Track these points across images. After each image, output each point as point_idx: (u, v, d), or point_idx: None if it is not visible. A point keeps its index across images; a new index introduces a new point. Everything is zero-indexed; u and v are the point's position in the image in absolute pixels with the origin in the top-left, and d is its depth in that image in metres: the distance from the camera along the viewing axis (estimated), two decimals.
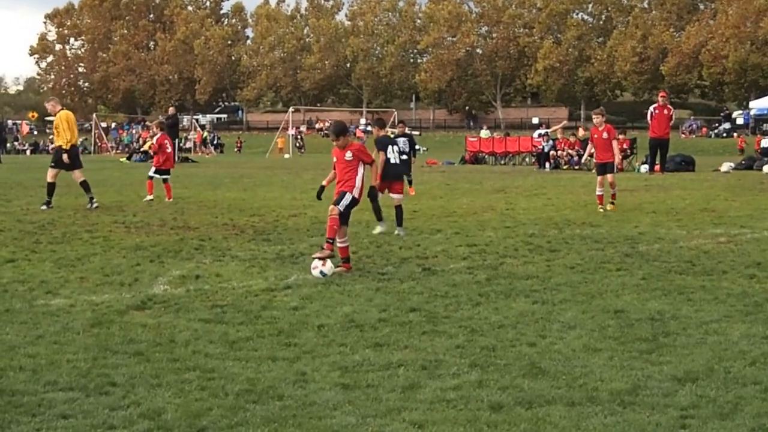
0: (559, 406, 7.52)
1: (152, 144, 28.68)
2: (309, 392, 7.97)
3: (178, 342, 9.70)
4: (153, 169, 26.91)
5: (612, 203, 22.59)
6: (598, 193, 22.90)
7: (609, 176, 22.74)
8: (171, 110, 54.32)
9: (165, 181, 26.60)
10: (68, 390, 8.04)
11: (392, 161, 18.73)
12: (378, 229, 18.65)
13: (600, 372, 8.45)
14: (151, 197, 25.92)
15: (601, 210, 22.27)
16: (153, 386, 8.14)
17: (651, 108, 37.69)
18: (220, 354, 9.23)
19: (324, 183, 14.94)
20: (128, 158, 57.97)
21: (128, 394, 7.91)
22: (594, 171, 24.49)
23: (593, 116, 23.84)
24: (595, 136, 23.26)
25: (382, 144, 18.72)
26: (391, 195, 18.99)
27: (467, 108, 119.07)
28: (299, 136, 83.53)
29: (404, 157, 26.69)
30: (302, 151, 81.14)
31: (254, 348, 9.46)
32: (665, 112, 36.47)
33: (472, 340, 9.71)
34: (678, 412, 7.35)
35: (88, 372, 8.57)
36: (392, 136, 24.92)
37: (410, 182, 27.17)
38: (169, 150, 27.55)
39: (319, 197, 15.12)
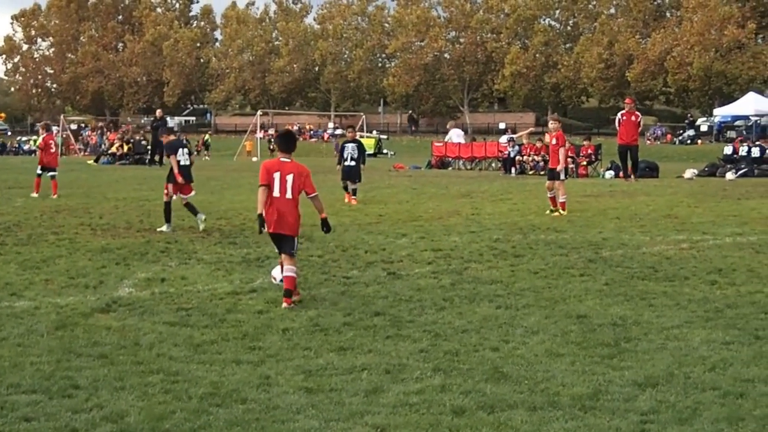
0: (520, 411, 7.60)
1: (39, 143, 30.19)
2: (272, 396, 8.01)
3: (142, 345, 9.72)
4: (39, 167, 28.60)
5: (557, 210, 22.76)
6: (549, 195, 23.22)
7: (556, 182, 23.03)
8: (158, 113, 53.98)
9: (53, 177, 28.18)
10: (31, 392, 8.04)
11: (182, 163, 20.15)
12: (164, 228, 19.68)
13: (562, 377, 8.53)
14: (36, 194, 27.63)
15: (551, 212, 22.57)
16: (116, 389, 8.16)
17: (618, 115, 37.79)
18: (185, 357, 9.26)
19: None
20: (96, 160, 57.66)
21: (91, 397, 7.93)
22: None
23: (549, 121, 24.25)
24: (550, 140, 23.80)
25: (173, 148, 20.35)
26: (182, 195, 20.13)
27: (410, 113, 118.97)
28: (271, 139, 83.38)
29: (353, 163, 26.45)
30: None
31: (218, 351, 9.50)
32: (632, 118, 36.50)
33: (435, 344, 9.78)
34: (638, 417, 7.44)
35: (51, 374, 8.58)
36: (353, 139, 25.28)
37: (354, 192, 26.51)
38: (54, 150, 29.61)
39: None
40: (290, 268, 12.14)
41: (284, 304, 11.77)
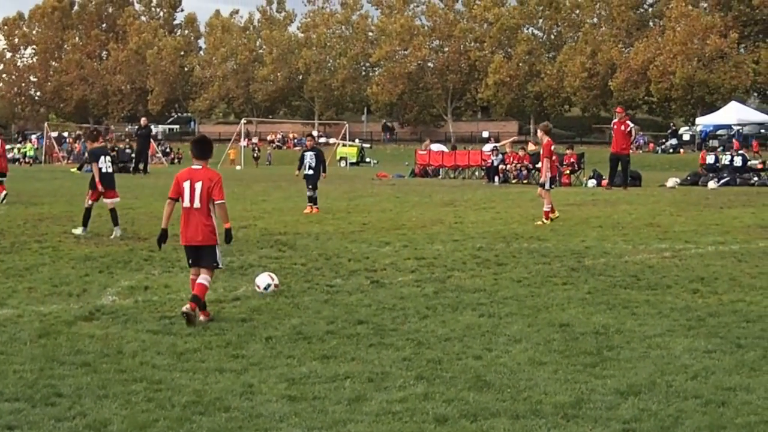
0: (503, 419, 7.61)
1: None
2: (256, 404, 8.01)
3: (125, 353, 9.71)
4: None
5: (542, 220, 22.70)
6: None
7: (542, 191, 23.04)
8: (143, 121, 53.93)
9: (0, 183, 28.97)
10: (14, 401, 8.03)
11: (103, 170, 20.53)
12: (78, 231, 20.25)
13: (544, 385, 8.56)
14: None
15: (551, 220, 22.55)
16: (99, 397, 8.15)
17: (612, 123, 37.85)
18: (168, 365, 9.25)
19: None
20: (79, 168, 57.47)
21: (74, 405, 7.92)
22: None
23: (538, 129, 24.21)
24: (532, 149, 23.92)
25: (95, 155, 20.73)
26: (105, 200, 20.51)
27: (384, 121, 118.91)
28: (255, 148, 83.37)
29: (311, 171, 26.22)
30: (268, 162, 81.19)
31: (202, 359, 9.50)
32: (621, 128, 36.56)
33: (418, 352, 9.79)
34: (620, 426, 7.46)
35: (34, 383, 8.56)
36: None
37: (314, 200, 26.16)
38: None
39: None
40: (206, 277, 11.56)
41: (186, 306, 11.17)
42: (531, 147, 46.86)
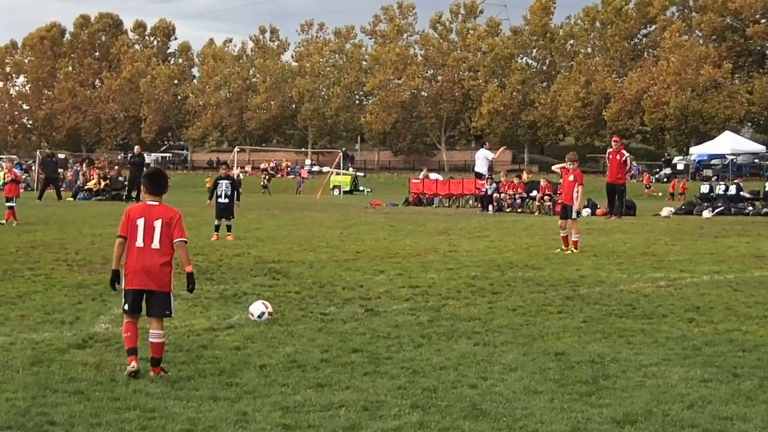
0: None
1: (6, 174, 32.73)
2: None
3: (118, 381, 9.65)
4: (6, 198, 31.13)
5: (569, 250, 22.65)
6: (561, 235, 23.09)
7: (569, 221, 22.96)
8: (137, 149, 53.94)
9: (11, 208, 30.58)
10: (6, 429, 7.97)
11: None
12: None
13: (540, 414, 8.51)
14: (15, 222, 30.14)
15: (567, 252, 22.40)
16: (93, 425, 8.09)
17: (607, 152, 37.82)
18: (161, 393, 9.19)
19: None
20: (73, 197, 57.42)
21: None
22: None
23: (567, 159, 23.98)
24: (564, 177, 23.71)
25: None
26: None
27: (344, 149, 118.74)
28: (266, 177, 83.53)
29: (226, 200, 26.18)
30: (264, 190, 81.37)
31: (195, 388, 9.44)
32: (617, 157, 36.54)
33: (413, 381, 9.74)
34: None
35: (27, 410, 8.50)
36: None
37: (229, 227, 26.00)
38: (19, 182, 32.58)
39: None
40: (160, 333, 10.31)
41: (151, 373, 10.05)
42: (525, 176, 46.89)
